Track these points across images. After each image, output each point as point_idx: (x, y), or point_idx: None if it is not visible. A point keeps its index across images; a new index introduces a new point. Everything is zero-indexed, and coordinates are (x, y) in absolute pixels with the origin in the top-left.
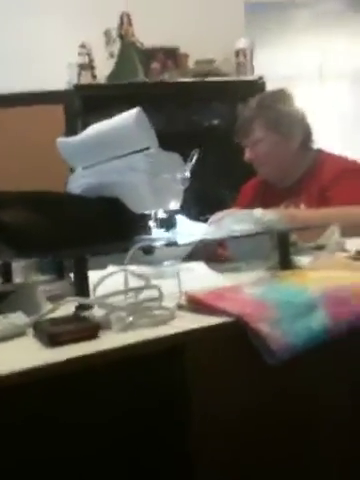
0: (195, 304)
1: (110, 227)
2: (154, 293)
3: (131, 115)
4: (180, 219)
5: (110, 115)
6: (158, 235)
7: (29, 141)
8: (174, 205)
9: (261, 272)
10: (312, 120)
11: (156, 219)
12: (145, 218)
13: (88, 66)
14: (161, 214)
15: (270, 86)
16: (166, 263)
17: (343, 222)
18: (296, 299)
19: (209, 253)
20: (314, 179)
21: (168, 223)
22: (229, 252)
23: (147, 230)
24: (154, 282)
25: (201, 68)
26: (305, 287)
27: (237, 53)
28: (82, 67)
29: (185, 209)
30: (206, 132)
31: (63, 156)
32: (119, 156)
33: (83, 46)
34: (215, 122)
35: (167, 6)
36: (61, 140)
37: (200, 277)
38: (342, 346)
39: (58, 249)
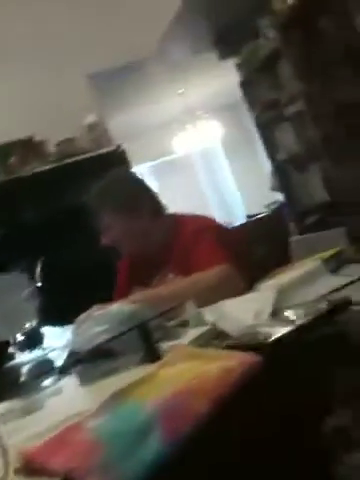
0: (28, 464)
1: None
2: None
3: None
4: (47, 331)
5: None
6: (23, 359)
7: None
8: (30, 323)
9: (132, 371)
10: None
11: (16, 343)
12: (4, 346)
13: None
14: (21, 336)
15: (136, 146)
16: (43, 384)
17: (200, 290)
18: (131, 426)
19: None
20: (174, 245)
21: (31, 343)
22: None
23: (9, 358)
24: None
25: (63, 150)
26: (142, 405)
27: (90, 128)
28: None
29: (64, 310)
30: (75, 213)
31: None
32: None
33: None
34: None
35: (12, 98)
36: None
37: (67, 401)
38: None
39: None
